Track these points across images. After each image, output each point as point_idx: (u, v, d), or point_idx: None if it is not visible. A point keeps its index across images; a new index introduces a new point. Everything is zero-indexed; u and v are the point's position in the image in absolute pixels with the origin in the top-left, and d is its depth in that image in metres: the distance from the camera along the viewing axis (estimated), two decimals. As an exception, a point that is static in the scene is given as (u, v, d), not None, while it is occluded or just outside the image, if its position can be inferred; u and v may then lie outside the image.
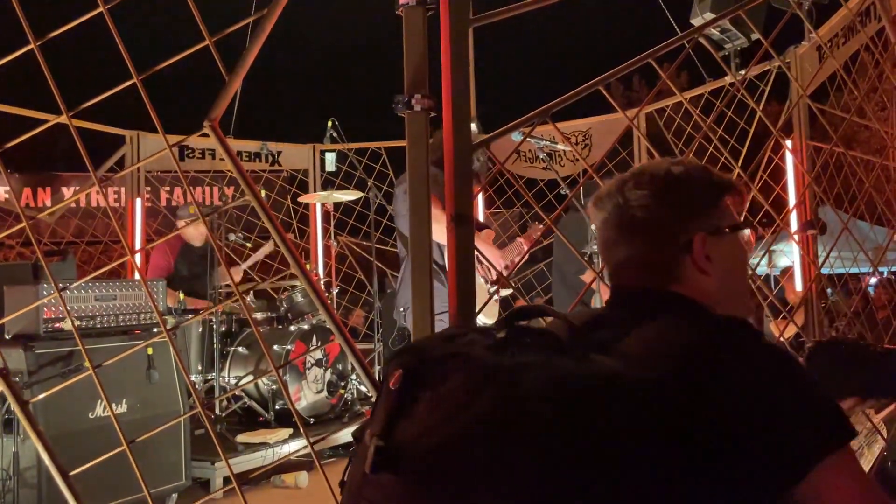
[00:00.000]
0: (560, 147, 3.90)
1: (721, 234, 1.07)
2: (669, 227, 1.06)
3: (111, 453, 1.55)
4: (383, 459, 0.82)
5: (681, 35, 2.20)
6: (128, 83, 1.53)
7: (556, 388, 0.80)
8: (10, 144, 1.58)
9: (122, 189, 7.52)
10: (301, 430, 1.52)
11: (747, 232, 1.12)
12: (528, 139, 3.33)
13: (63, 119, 1.51)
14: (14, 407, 1.48)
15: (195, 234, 5.02)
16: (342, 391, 4.64)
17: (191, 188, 6.76)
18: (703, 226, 1.06)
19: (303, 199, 5.65)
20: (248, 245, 5.05)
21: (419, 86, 1.48)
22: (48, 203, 6.90)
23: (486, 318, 3.36)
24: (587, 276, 4.65)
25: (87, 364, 1.48)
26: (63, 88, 1.51)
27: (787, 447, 0.85)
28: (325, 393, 4.54)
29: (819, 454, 0.84)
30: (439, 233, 3.40)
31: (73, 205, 6.80)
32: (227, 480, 3.62)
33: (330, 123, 5.12)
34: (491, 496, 0.77)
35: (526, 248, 3.22)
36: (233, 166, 1.49)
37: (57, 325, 3.15)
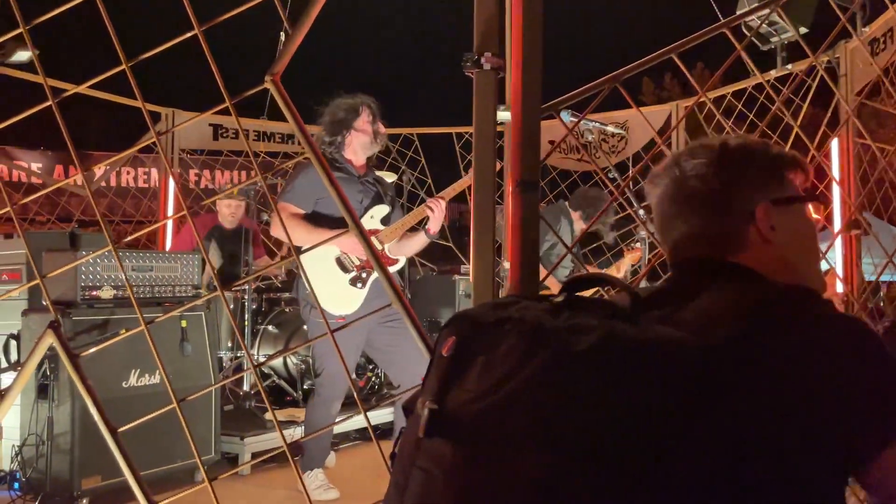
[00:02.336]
0: (610, 129, 3.82)
1: (785, 205, 1.03)
2: (730, 195, 1.02)
3: (156, 413, 1.52)
4: (436, 423, 0.81)
5: (724, 21, 2.12)
6: (188, 34, 1.49)
7: (610, 350, 0.77)
8: (76, 89, 1.54)
9: (153, 170, 7.56)
10: (357, 401, 1.47)
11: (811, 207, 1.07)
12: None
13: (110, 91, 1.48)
14: (65, 361, 1.46)
15: (227, 213, 5.02)
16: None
17: (245, 164, 6.76)
18: (765, 195, 1.02)
19: (335, 181, 5.60)
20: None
21: (489, 44, 1.42)
22: (79, 181, 6.95)
23: (343, 310, 3.16)
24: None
25: (123, 330, 1.45)
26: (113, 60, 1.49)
27: (857, 427, 0.79)
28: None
29: (891, 436, 0.79)
30: (301, 237, 3.28)
31: (104, 182, 6.84)
32: (254, 456, 3.61)
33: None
34: (539, 459, 0.74)
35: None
36: (292, 121, 1.45)
37: (94, 292, 3.14)
